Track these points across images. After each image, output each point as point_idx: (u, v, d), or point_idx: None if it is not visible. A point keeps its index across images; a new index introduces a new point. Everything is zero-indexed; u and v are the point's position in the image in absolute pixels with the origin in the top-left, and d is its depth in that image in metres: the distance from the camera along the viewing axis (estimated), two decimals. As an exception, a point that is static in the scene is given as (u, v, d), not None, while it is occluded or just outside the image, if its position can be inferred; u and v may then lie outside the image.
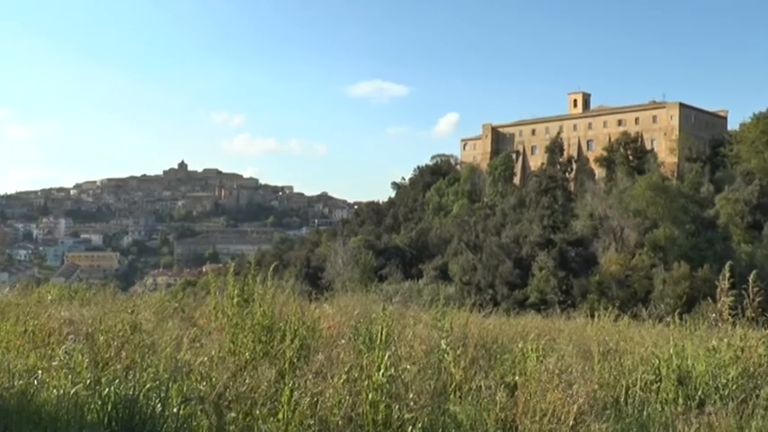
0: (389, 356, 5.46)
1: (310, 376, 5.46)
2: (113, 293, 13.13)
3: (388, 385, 5.18)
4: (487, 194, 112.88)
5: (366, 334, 7.10)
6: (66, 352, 5.55)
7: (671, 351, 6.72)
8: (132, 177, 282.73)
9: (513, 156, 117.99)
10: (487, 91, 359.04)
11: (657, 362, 6.60)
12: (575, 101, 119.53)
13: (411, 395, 5.32)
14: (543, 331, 9.12)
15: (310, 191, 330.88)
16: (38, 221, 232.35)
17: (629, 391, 6.12)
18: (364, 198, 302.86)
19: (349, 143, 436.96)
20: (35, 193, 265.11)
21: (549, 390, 5.34)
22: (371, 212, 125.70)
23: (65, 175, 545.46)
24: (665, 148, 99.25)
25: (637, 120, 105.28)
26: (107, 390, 4.88)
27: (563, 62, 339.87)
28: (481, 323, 9.85)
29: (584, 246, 72.61)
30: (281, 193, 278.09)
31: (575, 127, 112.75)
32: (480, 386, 5.74)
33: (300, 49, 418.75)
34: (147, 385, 4.96)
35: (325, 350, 6.51)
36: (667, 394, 6.10)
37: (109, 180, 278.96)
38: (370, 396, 5.11)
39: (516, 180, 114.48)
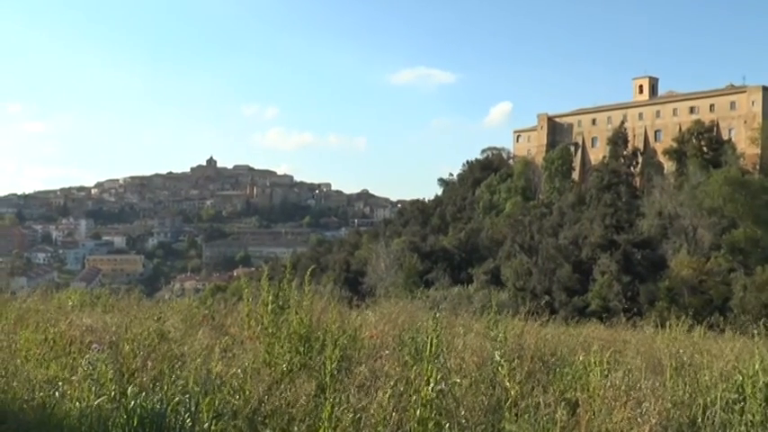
0: (438, 369, 5.42)
1: (352, 390, 5.45)
2: (138, 299, 13.37)
3: (437, 400, 5.15)
4: (543, 191, 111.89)
5: (412, 344, 7.08)
6: (89, 362, 5.62)
7: (756, 367, 6.52)
8: (157, 175, 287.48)
9: (572, 148, 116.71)
10: (543, 77, 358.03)
11: (740, 378, 6.39)
12: (640, 86, 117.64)
13: (463, 411, 5.28)
14: (607, 342, 8.98)
15: (350, 188, 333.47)
16: (57, 223, 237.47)
17: (708, 412, 5.96)
18: (408, 196, 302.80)
19: (391, 136, 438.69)
20: (54, 192, 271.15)
21: (615, 408, 5.25)
22: (416, 212, 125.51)
23: (85, 173, 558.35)
24: (744, 137, 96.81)
25: (712, 107, 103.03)
26: (133, 403, 4.93)
27: (627, 44, 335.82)
28: (538, 333, 9.74)
29: (651, 248, 71.35)
30: (317, 191, 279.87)
31: (640, 116, 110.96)
32: (538, 403, 5.67)
33: (336, 36, 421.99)
34: (176, 398, 5.00)
35: (367, 362, 6.50)
36: (753, 416, 5.90)
37: (132, 178, 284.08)
38: (418, 412, 5.08)
39: (575, 175, 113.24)
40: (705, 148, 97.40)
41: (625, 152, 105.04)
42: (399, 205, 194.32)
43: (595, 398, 5.49)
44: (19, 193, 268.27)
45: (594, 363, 6.26)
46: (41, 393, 5.36)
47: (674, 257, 69.18)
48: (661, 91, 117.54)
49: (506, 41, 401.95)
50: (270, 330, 6.95)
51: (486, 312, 9.85)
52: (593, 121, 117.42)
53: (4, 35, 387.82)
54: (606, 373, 6.06)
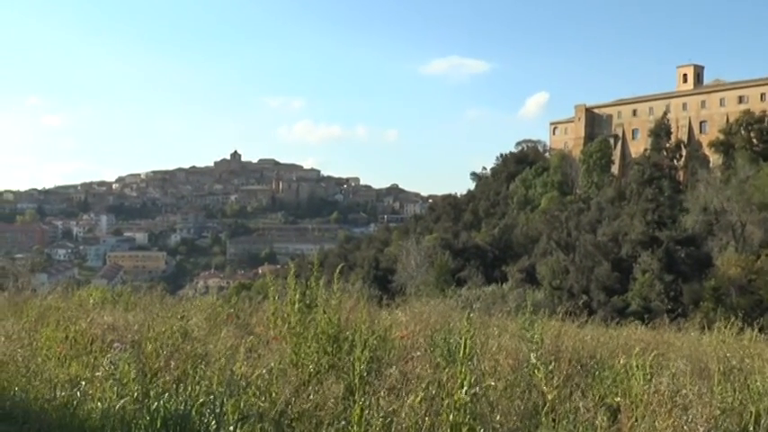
0: (472, 371, 5.39)
1: (383, 393, 5.44)
2: (160, 297, 13.49)
3: (471, 405, 5.12)
4: (581, 186, 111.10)
5: (444, 345, 7.06)
6: (110, 361, 5.69)
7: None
8: (180, 169, 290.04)
9: (611, 141, 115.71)
10: (582, 66, 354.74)
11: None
12: (684, 75, 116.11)
13: (498, 416, 5.25)
14: (649, 345, 8.88)
15: (379, 183, 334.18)
16: (78, 218, 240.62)
17: (761, 420, 5.85)
18: (440, 191, 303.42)
19: (422, 129, 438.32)
20: (74, 187, 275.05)
21: (659, 415, 5.18)
22: (448, 207, 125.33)
23: (106, 168, 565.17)
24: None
25: (763, 96, 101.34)
26: (156, 404, 4.98)
27: (670, 30, 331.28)
28: (576, 334, 9.66)
29: (695, 245, 70.46)
30: (345, 186, 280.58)
31: (684, 106, 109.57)
32: (577, 408, 5.62)
33: (365, 24, 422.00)
34: (201, 400, 5.04)
35: (398, 363, 6.49)
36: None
37: (154, 173, 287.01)
38: (451, 417, 5.06)
39: (614, 169, 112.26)
40: (755, 140, 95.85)
41: (668, 144, 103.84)
42: (430, 200, 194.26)
43: (638, 404, 5.43)
44: (39, 188, 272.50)
45: (637, 366, 6.17)
46: (63, 393, 5.43)
47: (721, 255, 68.20)
48: (707, 80, 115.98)
49: (543, 28, 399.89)
50: (297, 330, 6.96)
51: (521, 312, 9.80)
52: (634, 112, 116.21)
53: (22, 27, 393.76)
54: (649, 377, 5.97)
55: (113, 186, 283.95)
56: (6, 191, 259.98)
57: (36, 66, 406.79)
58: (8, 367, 6.09)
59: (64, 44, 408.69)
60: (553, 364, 6.55)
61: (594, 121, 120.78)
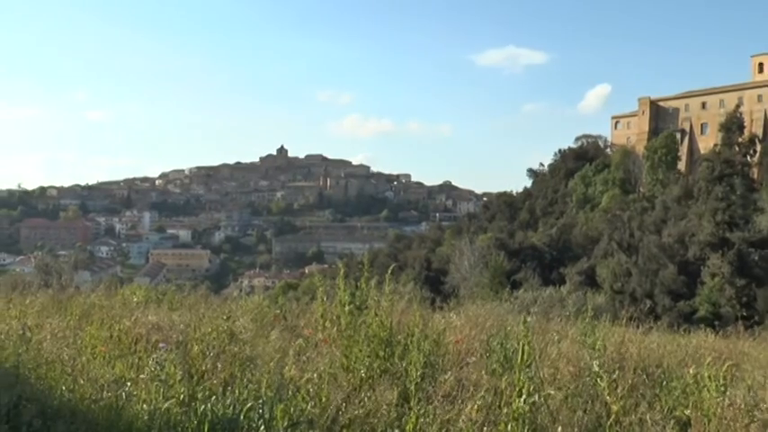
0: (530, 379, 5.34)
1: (437, 401, 5.42)
2: (205, 296, 13.68)
3: (530, 414, 5.07)
4: (645, 183, 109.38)
5: (501, 351, 7.01)
6: (156, 362, 5.77)
7: None
8: (225, 165, 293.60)
9: (678, 135, 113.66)
10: (646, 57, 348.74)
11: None
12: (760, 65, 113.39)
13: (559, 428, 5.19)
14: (722, 354, 8.69)
15: (431, 180, 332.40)
16: (120, 215, 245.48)
17: None
18: (494, 188, 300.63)
19: (477, 123, 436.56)
20: (117, 183, 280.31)
21: (734, 430, 5.06)
22: (503, 205, 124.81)
23: (150, 164, 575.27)
24: None
25: None
26: (203, 407, 5.04)
27: (743, 16, 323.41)
28: (640, 341, 9.51)
29: (770, 247, 68.95)
30: (396, 183, 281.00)
31: (759, 98, 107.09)
32: (644, 420, 5.53)
33: (417, 15, 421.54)
34: (249, 404, 5.08)
35: (452, 369, 6.47)
36: None
37: (198, 168, 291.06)
38: (509, 427, 5.02)
39: (681, 165, 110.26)
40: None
41: (740, 139, 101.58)
42: (485, 198, 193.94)
43: (710, 417, 5.31)
44: (82, 183, 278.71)
45: (709, 377, 6.04)
46: (108, 393, 5.53)
47: (798, 258, 66.65)
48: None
49: (604, 17, 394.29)
50: (348, 333, 6.98)
51: (582, 317, 9.70)
52: (703, 105, 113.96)
53: (71, 22, 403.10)
54: (723, 389, 5.83)
55: (156, 182, 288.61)
56: (50, 186, 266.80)
57: (84, 60, 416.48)
58: (55, 366, 6.23)
59: (110, 38, 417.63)
60: (617, 372, 6.47)
61: (660, 115, 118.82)
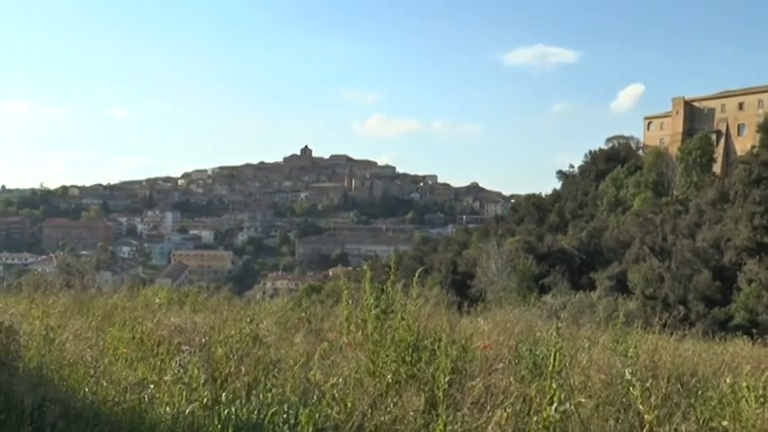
0: (561, 386, 5.31)
1: (466, 408, 5.41)
2: (228, 298, 13.76)
3: (561, 423, 5.04)
4: (678, 186, 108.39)
5: (530, 357, 6.98)
6: (179, 364, 5.81)
7: None
8: (248, 165, 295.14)
9: (713, 137, 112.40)
10: (680, 55, 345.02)
11: None
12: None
13: (591, 437, 5.16)
14: (760, 363, 8.57)
15: (458, 181, 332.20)
16: (142, 215, 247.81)
17: None
18: (523, 190, 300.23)
19: (505, 123, 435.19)
20: (140, 182, 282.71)
21: (774, 442, 4.99)
22: (531, 208, 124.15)
23: (172, 164, 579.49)
24: None
25: None
26: (227, 411, 5.07)
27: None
28: (674, 349, 9.42)
29: (810, 253, 68.09)
30: (422, 184, 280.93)
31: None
32: (679, 431, 5.48)
33: (444, 12, 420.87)
34: (273, 408, 5.10)
35: (480, 375, 6.44)
36: None
37: (221, 168, 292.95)
38: (539, 435, 4.99)
39: (716, 168, 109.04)
40: None
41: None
42: (512, 200, 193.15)
43: (749, 429, 5.24)
44: (104, 183, 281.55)
45: (747, 388, 5.95)
46: (131, 396, 5.58)
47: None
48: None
49: (637, 14, 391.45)
50: (374, 337, 6.97)
51: (613, 323, 9.63)
52: (740, 106, 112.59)
53: (93, 20, 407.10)
54: (762, 400, 5.75)
55: (179, 182, 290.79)
56: (72, 186, 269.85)
57: (109, 58, 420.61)
58: (78, 367, 6.30)
59: (135, 36, 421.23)
60: (650, 381, 6.41)
61: (694, 116, 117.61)
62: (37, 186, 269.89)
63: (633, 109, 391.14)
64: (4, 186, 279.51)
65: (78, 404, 5.31)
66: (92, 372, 6.22)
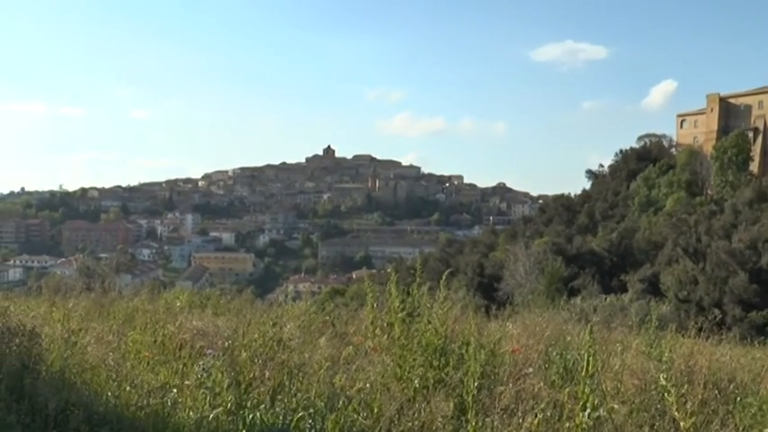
0: (593, 392, 5.28)
1: (496, 413, 5.40)
2: (250, 301, 13.81)
3: (594, 429, 5.02)
4: (713, 185, 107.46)
5: (561, 362, 6.95)
6: (203, 368, 5.85)
7: None
8: (269, 166, 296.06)
9: (750, 135, 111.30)
10: (715, 51, 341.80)
11: None
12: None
13: (625, 444, 5.13)
14: (803, 369, 8.47)
15: (484, 181, 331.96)
16: (162, 217, 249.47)
17: None
18: (551, 190, 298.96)
19: (532, 122, 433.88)
20: (159, 184, 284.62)
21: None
22: (560, 208, 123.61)
23: (192, 165, 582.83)
24: None
25: None
26: (252, 416, 5.09)
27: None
28: (711, 354, 9.33)
29: None
30: (447, 185, 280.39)
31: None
32: (717, 438, 5.43)
33: (470, 9, 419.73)
34: (299, 414, 5.12)
35: (510, 380, 6.43)
36: None
37: (242, 169, 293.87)
38: (572, 442, 4.97)
39: (753, 166, 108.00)
40: None
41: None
42: (540, 201, 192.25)
43: (792, 437, 5.19)
44: (124, 185, 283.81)
45: (789, 394, 5.91)
46: (154, 400, 5.62)
47: None
48: None
49: (669, 8, 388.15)
50: (401, 341, 6.98)
51: (645, 327, 9.56)
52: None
53: (113, 22, 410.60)
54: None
55: (199, 184, 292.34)
56: (91, 188, 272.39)
57: (128, 58, 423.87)
58: (100, 371, 6.36)
59: (155, 36, 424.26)
60: (686, 386, 6.36)
61: (730, 113, 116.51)
62: (56, 188, 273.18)
63: (665, 106, 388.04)
64: (23, 188, 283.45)
65: (101, 408, 5.36)
66: (114, 375, 6.28)
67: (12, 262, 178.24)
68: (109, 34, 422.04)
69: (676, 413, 5.93)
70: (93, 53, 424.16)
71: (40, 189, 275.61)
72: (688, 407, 5.98)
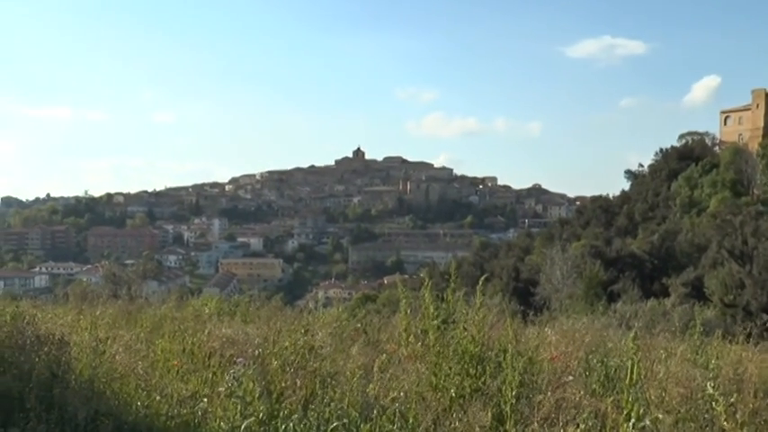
0: (637, 400, 5.23)
1: (536, 423, 5.37)
2: (280, 308, 13.85)
3: (638, 441, 4.97)
4: (759, 185, 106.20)
5: (602, 369, 6.89)
6: (233, 377, 5.87)
7: None
8: (298, 169, 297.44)
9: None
10: (760, 44, 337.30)
11: None
12: None
13: (671, 456, 5.08)
14: None
15: (519, 183, 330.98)
16: (189, 222, 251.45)
17: None
18: (588, 192, 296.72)
19: (568, 121, 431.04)
20: (186, 189, 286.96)
21: None
22: (598, 210, 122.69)
23: (219, 169, 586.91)
24: None
25: None
26: (284, 426, 5.10)
27: None
28: (761, 361, 9.21)
29: None
30: (481, 187, 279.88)
31: None
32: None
33: (503, 3, 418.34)
34: (333, 424, 5.12)
35: (549, 389, 6.39)
36: None
37: (270, 173, 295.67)
38: (617, 454, 4.93)
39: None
40: None
41: None
42: (578, 203, 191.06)
43: None
44: (149, 190, 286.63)
45: None
46: (184, 410, 5.66)
47: None
48: None
49: (712, 0, 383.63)
50: (436, 349, 6.96)
51: (690, 332, 9.46)
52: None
53: (137, 25, 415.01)
54: None
55: (226, 188, 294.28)
56: (117, 193, 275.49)
57: (153, 61, 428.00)
58: (129, 380, 6.41)
59: (178, 38, 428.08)
60: (735, 395, 6.28)
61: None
62: (81, 194, 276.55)
63: (708, 103, 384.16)
64: (48, 194, 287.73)
65: (131, 418, 5.42)
66: (143, 385, 6.34)
67: (38, 269, 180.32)
68: (131, 36, 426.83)
69: (725, 423, 5.85)
70: (116, 56, 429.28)
71: (66, 195, 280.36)
72: (738, 417, 5.90)
